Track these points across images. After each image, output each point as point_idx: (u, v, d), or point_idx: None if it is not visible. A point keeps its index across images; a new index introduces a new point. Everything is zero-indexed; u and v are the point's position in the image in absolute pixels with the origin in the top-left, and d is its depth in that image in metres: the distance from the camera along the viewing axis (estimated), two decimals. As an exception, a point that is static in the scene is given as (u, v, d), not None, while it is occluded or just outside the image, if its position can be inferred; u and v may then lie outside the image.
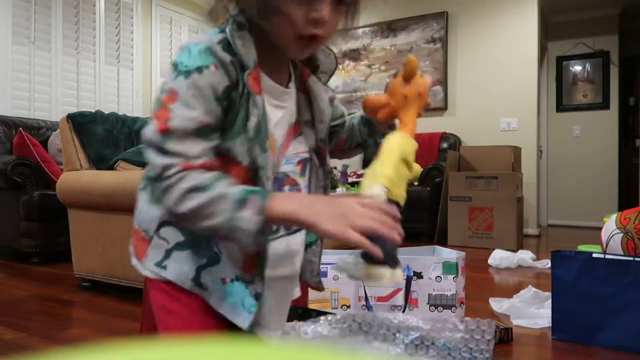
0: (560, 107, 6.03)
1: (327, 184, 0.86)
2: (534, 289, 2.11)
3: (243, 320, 0.74)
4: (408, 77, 0.80)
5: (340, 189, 3.45)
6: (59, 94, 4.23)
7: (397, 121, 0.83)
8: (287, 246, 0.82)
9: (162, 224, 0.78)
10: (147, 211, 0.80)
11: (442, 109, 5.10)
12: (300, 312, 0.88)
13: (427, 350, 0.64)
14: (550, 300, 1.94)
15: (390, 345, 0.64)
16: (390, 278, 0.68)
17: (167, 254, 0.77)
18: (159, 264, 0.78)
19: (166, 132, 0.66)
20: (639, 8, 5.65)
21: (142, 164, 2.60)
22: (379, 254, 0.65)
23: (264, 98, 0.73)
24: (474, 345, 0.67)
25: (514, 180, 3.88)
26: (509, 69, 4.82)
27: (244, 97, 0.70)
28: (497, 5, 4.88)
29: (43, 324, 1.88)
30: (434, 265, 1.32)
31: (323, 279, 1.34)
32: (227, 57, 0.69)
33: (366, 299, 1.32)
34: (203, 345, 0.20)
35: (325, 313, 0.78)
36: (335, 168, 3.93)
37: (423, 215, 4.27)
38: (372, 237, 0.65)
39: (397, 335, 0.65)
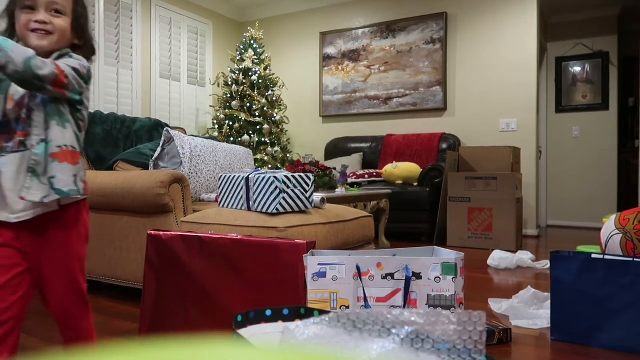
0: (560, 107, 6.04)
1: None
2: (533, 290, 2.12)
3: None
4: None
5: (339, 190, 3.45)
6: (58, 95, 4.23)
7: None
8: None
9: None
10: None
11: (442, 109, 5.11)
12: (303, 312, 0.88)
13: (422, 344, 0.64)
14: (549, 301, 1.95)
15: (385, 341, 0.64)
16: None
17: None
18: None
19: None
20: (638, 8, 5.65)
21: (141, 164, 2.60)
22: None
23: None
24: (466, 337, 0.67)
25: (513, 181, 3.88)
26: (508, 70, 4.83)
27: None
28: (496, 6, 4.88)
29: (43, 324, 1.88)
30: (433, 265, 1.32)
31: (322, 280, 1.34)
32: None
33: (365, 299, 1.32)
34: (201, 347, 0.20)
35: (328, 313, 0.78)
36: (335, 169, 3.93)
37: (422, 215, 4.27)
38: None
39: (392, 330, 0.65)
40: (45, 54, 1.09)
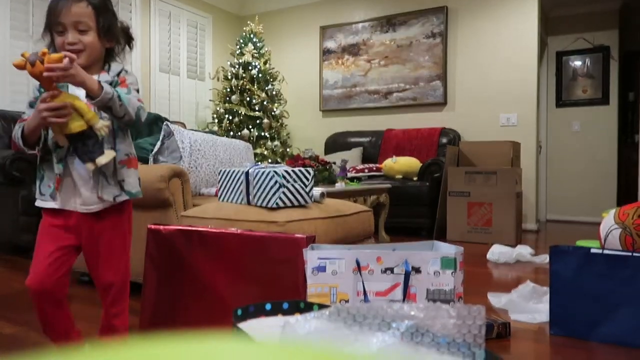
0: (560, 102, 6.03)
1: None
2: (532, 284, 2.12)
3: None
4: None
5: (339, 184, 3.45)
6: (57, 89, 4.21)
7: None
8: None
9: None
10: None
11: (442, 104, 5.10)
12: (303, 306, 0.88)
13: (422, 338, 0.65)
14: (548, 295, 1.95)
15: (385, 335, 0.64)
16: (100, 161, 1.20)
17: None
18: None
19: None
20: (639, 2, 5.63)
21: (141, 158, 2.60)
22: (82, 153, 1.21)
23: None
24: (466, 331, 0.68)
25: (513, 176, 3.88)
26: (508, 64, 4.81)
27: None
28: (496, 0, 4.86)
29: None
30: (433, 260, 1.32)
31: (321, 274, 1.35)
32: None
33: (365, 293, 1.32)
34: (202, 341, 0.20)
35: (327, 307, 0.78)
36: (335, 163, 3.93)
37: (422, 210, 4.28)
38: (75, 142, 1.20)
39: (392, 324, 0.65)
40: (84, 68, 1.20)
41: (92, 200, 1.26)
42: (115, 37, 1.30)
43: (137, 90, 1.29)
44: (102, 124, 1.18)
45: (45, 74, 1.09)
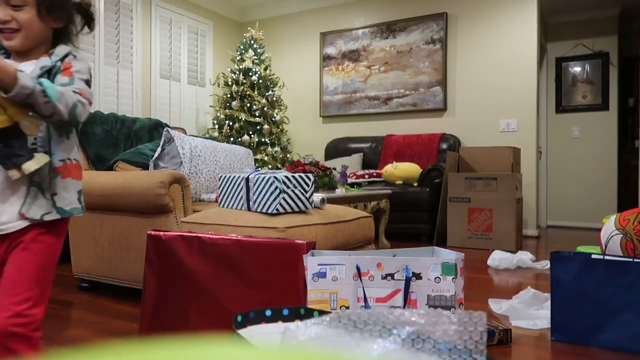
0: (560, 108, 6.04)
1: None
2: (533, 290, 2.11)
3: None
4: None
5: (339, 190, 3.45)
6: (58, 95, 4.22)
7: None
8: None
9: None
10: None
11: (442, 109, 5.11)
12: (303, 312, 0.88)
13: (423, 344, 0.64)
14: (549, 301, 1.94)
15: (386, 342, 0.64)
16: (28, 167, 0.95)
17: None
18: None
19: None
20: (638, 9, 5.65)
21: (141, 164, 2.60)
22: None
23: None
24: (467, 338, 0.67)
25: (513, 181, 3.88)
26: (508, 70, 4.82)
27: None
28: (496, 6, 4.88)
29: (41, 324, 1.87)
30: (433, 266, 1.31)
31: (322, 280, 1.34)
32: None
33: (365, 300, 1.32)
34: (201, 347, 0.20)
35: (328, 313, 0.78)
36: (335, 169, 3.93)
37: (422, 216, 4.27)
38: None
39: (393, 331, 0.65)
40: (24, 52, 1.01)
41: (6, 217, 0.98)
42: (65, 16, 1.05)
43: (87, 82, 1.04)
44: (31, 121, 0.94)
45: None
